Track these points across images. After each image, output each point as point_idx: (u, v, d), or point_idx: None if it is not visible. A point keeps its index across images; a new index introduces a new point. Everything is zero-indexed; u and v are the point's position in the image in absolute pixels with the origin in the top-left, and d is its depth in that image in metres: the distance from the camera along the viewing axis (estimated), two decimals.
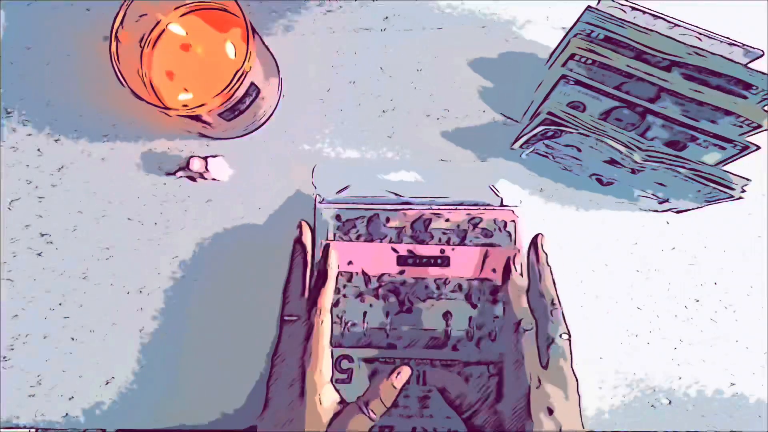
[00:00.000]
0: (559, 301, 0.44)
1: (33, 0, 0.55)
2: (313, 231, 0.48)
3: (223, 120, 0.47)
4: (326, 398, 0.41)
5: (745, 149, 0.42)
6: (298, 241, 0.47)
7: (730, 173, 0.42)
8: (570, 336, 0.43)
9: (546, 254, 0.46)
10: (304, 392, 0.40)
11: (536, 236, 0.46)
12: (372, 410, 0.41)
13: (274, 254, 0.51)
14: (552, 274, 0.45)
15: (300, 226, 0.47)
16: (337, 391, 0.43)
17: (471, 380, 0.45)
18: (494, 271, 0.48)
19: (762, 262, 0.50)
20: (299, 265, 0.46)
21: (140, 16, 0.46)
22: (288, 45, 0.53)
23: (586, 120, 0.43)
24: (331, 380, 0.43)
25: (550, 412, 0.40)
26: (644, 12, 0.44)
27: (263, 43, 0.48)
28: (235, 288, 0.51)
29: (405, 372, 0.44)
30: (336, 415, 0.41)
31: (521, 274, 0.45)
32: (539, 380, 0.41)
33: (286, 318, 0.44)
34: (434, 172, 0.51)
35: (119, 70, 0.44)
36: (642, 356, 0.49)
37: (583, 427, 0.41)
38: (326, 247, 0.47)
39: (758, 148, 0.42)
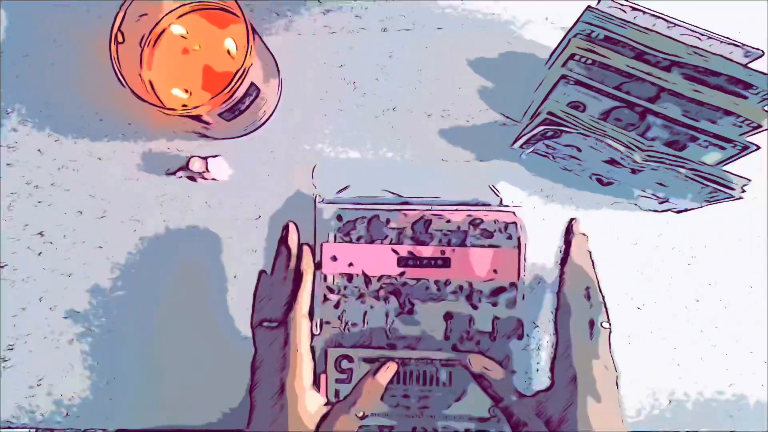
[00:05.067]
0: (600, 290, 0.42)
1: (33, 0, 0.55)
2: (299, 232, 0.47)
3: (223, 120, 0.47)
4: (310, 403, 0.40)
5: (745, 149, 0.42)
6: (283, 242, 0.46)
7: (730, 173, 0.42)
8: (610, 326, 0.41)
9: (585, 236, 0.44)
10: (285, 401, 0.40)
11: (571, 220, 0.45)
12: (359, 410, 0.41)
13: (273, 254, 0.51)
14: (592, 262, 0.44)
15: (286, 227, 0.46)
16: (332, 389, 0.42)
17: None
18: (495, 272, 0.48)
19: (762, 262, 0.50)
20: (280, 268, 0.45)
21: (140, 16, 0.46)
22: (288, 45, 0.53)
23: (586, 120, 0.43)
24: (322, 381, 0.42)
25: (598, 399, 0.39)
26: (644, 12, 0.44)
27: (263, 43, 0.48)
28: (235, 288, 0.51)
29: (391, 368, 0.43)
30: (323, 418, 0.40)
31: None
32: (589, 366, 0.40)
33: (262, 324, 0.43)
34: (434, 172, 0.51)
35: (119, 70, 0.44)
36: (642, 356, 0.49)
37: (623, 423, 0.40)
38: (300, 248, 0.46)
39: (758, 148, 0.42)
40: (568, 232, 0.45)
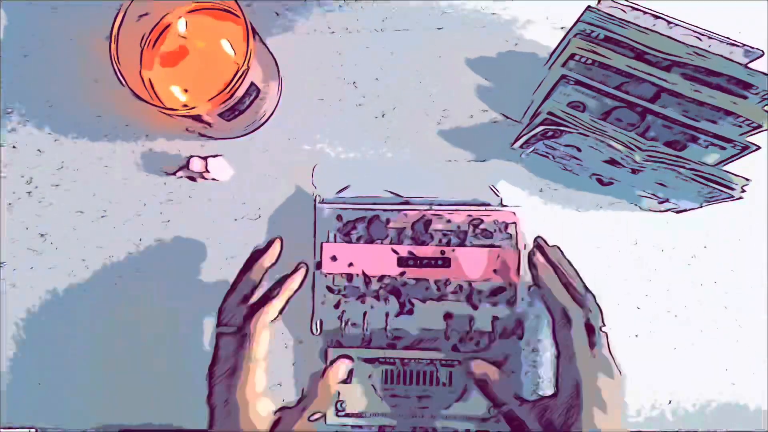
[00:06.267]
0: (590, 292, 0.43)
1: (33, 0, 0.55)
2: (278, 245, 0.46)
3: (223, 120, 0.47)
4: (261, 409, 0.40)
5: (745, 149, 0.42)
6: (261, 252, 0.44)
7: (730, 173, 0.42)
8: (606, 328, 0.42)
9: (558, 249, 0.45)
10: (234, 407, 0.39)
11: (536, 239, 0.46)
12: (311, 411, 0.41)
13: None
14: (573, 267, 0.44)
15: (271, 244, 0.45)
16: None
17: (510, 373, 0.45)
18: (495, 272, 0.48)
19: (762, 262, 0.50)
20: (248, 278, 0.43)
21: (140, 16, 0.46)
22: (288, 45, 0.53)
23: (586, 120, 0.43)
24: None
25: (603, 408, 0.39)
26: (644, 12, 0.44)
27: (263, 43, 0.48)
28: None
29: (341, 367, 0.43)
30: (275, 424, 0.40)
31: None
32: (593, 375, 0.40)
33: (221, 330, 0.42)
34: (434, 172, 0.51)
35: (119, 70, 0.44)
36: (642, 356, 0.49)
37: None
38: (297, 267, 0.45)
39: (758, 148, 0.42)
40: (539, 249, 0.45)
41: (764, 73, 0.42)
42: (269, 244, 0.45)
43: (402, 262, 0.48)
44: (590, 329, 0.41)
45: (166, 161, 0.52)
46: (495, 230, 0.49)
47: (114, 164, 0.53)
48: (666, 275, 0.50)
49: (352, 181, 0.51)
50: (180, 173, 0.52)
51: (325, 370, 0.44)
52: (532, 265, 0.44)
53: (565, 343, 0.41)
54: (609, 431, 0.38)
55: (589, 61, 0.44)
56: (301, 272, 0.45)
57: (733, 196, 0.42)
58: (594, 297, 0.43)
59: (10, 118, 0.54)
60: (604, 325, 0.42)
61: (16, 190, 0.53)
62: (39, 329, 0.51)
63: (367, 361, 0.47)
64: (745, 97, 0.43)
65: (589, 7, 0.43)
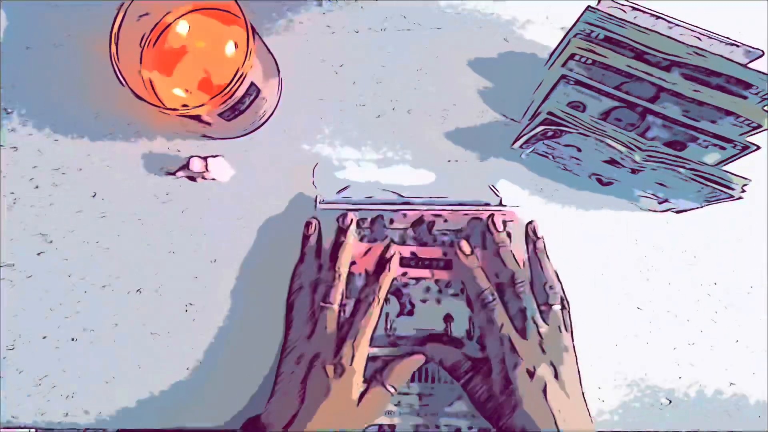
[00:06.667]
0: (557, 277, 0.47)
1: (33, 0, 0.55)
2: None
3: (223, 120, 0.47)
4: (360, 378, 0.45)
5: (745, 149, 0.43)
6: (342, 233, 0.48)
7: (730, 173, 0.42)
8: (565, 306, 0.45)
9: (506, 233, 0.48)
10: (342, 372, 0.44)
11: (492, 214, 0.49)
12: (392, 385, 0.45)
13: (274, 254, 0.51)
14: (514, 254, 0.47)
15: (344, 216, 0.49)
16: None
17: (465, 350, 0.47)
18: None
19: (762, 262, 0.50)
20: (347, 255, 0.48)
21: (140, 16, 0.46)
22: (288, 45, 0.53)
23: (586, 120, 0.43)
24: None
25: (531, 375, 0.42)
26: (644, 12, 0.44)
27: (263, 43, 0.48)
28: (235, 288, 0.51)
29: (421, 357, 0.47)
30: (363, 392, 0.45)
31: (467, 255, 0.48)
32: (511, 345, 0.43)
33: (325, 305, 0.46)
34: (435, 172, 0.51)
35: (119, 70, 0.44)
36: (642, 356, 0.49)
37: (586, 404, 0.43)
38: (389, 246, 0.49)
39: (758, 148, 0.42)
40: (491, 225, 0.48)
41: (764, 73, 0.42)
42: (343, 217, 0.49)
43: (403, 262, 0.48)
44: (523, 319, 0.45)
45: (166, 161, 0.52)
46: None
47: (114, 164, 0.53)
48: (666, 275, 0.50)
49: (352, 181, 0.51)
50: (180, 173, 0.52)
51: (405, 355, 0.47)
52: (456, 256, 0.48)
53: (487, 323, 0.45)
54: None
55: (589, 61, 0.44)
56: (395, 259, 0.48)
57: (733, 196, 0.42)
58: (547, 284, 0.46)
59: (10, 118, 0.54)
60: (549, 309, 0.45)
61: (16, 190, 0.53)
62: (39, 329, 0.51)
63: (368, 360, 0.47)
64: (745, 97, 0.43)
65: (589, 7, 0.43)
